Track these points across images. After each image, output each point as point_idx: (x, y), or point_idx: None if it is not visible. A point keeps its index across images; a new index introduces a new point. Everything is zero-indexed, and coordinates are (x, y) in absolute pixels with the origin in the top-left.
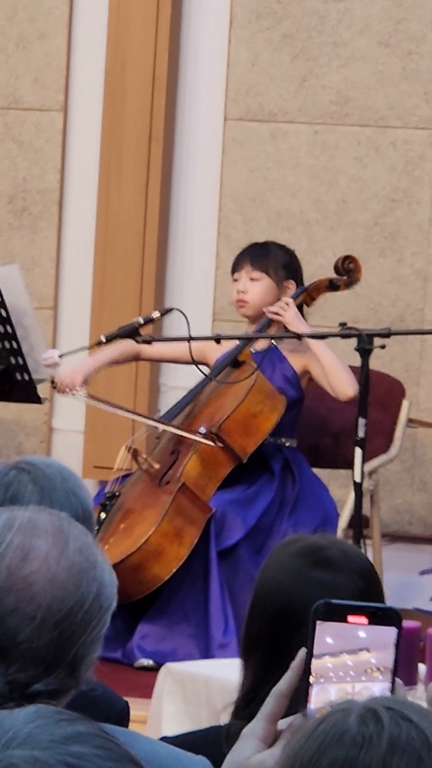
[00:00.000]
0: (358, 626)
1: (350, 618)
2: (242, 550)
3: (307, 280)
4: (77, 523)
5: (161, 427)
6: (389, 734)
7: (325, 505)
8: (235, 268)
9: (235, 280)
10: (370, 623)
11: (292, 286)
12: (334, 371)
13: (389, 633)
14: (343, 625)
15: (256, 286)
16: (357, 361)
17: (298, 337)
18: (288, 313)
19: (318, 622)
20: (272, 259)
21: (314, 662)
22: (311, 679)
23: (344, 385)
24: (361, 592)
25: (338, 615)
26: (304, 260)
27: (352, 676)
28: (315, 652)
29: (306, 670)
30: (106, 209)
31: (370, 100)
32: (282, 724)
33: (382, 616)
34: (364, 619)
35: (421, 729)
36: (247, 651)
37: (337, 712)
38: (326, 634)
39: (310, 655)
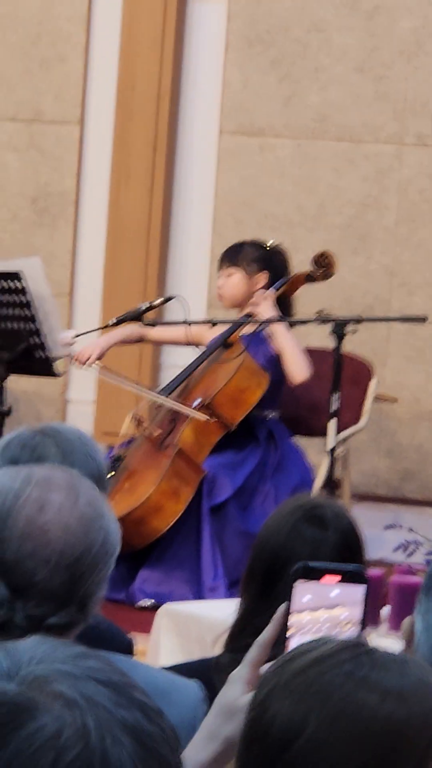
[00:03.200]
0: (333, 585)
1: (326, 578)
2: (230, 506)
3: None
4: (87, 479)
5: (161, 401)
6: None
7: (303, 469)
8: (218, 267)
9: (219, 278)
10: (342, 582)
11: (264, 277)
12: (290, 357)
13: (359, 590)
14: (320, 584)
15: (228, 281)
16: (332, 343)
17: (268, 323)
18: (259, 308)
19: (297, 581)
20: (242, 255)
21: (293, 617)
22: (289, 633)
23: (296, 371)
24: (342, 549)
25: (315, 575)
26: None
27: (326, 629)
28: (294, 608)
29: (285, 624)
30: (116, 210)
31: (346, 118)
32: (264, 669)
33: (353, 576)
34: (337, 579)
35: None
36: (244, 585)
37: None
38: (304, 592)
39: (287, 612)
